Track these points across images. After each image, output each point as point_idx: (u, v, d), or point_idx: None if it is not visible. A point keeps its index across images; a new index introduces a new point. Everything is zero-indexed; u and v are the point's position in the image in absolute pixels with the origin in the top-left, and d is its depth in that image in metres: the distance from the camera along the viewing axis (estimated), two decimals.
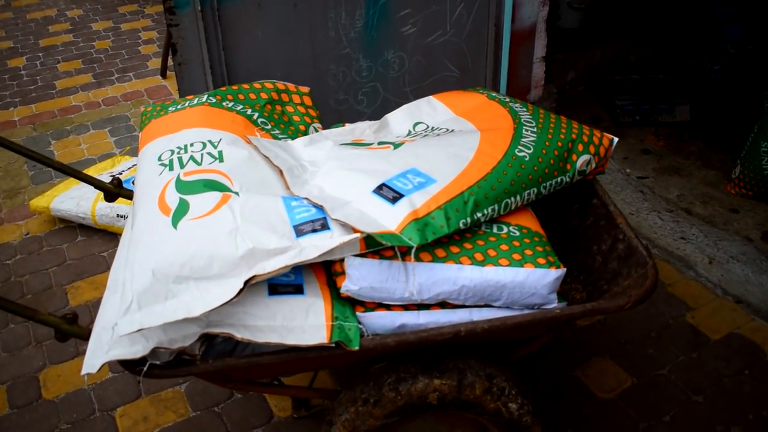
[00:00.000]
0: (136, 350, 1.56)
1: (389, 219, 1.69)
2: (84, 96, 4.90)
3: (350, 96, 3.20)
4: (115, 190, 2.35)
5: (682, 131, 4.28)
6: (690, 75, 4.74)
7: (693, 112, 4.36)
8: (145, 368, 1.60)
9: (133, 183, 3.50)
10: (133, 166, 3.77)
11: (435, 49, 3.36)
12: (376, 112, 3.30)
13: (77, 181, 3.62)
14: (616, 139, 2.19)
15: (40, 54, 5.61)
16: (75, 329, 1.78)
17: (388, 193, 1.75)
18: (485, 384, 1.81)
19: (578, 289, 2.02)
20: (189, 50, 2.62)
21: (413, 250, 1.64)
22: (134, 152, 4.18)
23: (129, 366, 1.60)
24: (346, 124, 2.40)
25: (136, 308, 1.55)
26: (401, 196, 1.74)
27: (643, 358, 2.65)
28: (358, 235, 1.63)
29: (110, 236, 3.46)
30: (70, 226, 3.57)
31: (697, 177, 3.85)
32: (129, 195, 2.38)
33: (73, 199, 3.52)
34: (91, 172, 3.83)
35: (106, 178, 3.65)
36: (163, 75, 5.04)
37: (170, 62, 4.73)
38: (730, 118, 4.33)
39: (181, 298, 1.58)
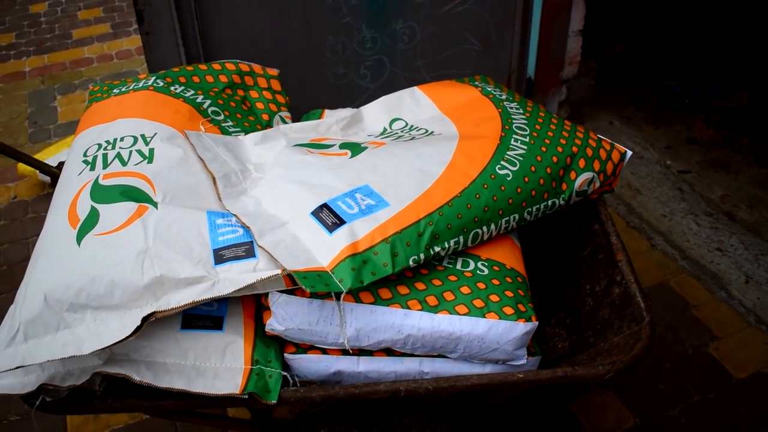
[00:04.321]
0: (27, 382, 1.36)
1: (323, 251, 1.41)
2: (98, 48, 4.67)
3: (351, 70, 2.87)
4: None
5: (736, 119, 3.82)
6: (751, 54, 4.23)
7: (751, 98, 3.88)
8: (37, 402, 1.39)
9: None
10: None
11: (453, 19, 3.00)
12: (382, 87, 2.98)
13: (68, 143, 3.44)
14: (629, 153, 1.84)
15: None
16: None
17: (328, 217, 1.46)
18: None
19: (561, 335, 1.70)
20: (157, 18, 2.33)
21: (342, 295, 1.36)
22: None
23: (24, 397, 1.40)
24: (325, 113, 2.09)
25: (22, 339, 1.35)
26: (342, 222, 1.45)
27: (651, 395, 2.32)
28: (278, 271, 1.36)
29: None
30: None
31: (747, 175, 3.42)
32: None
33: None
34: None
35: None
36: None
37: None
38: None
39: (74, 330, 1.36)
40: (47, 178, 3.33)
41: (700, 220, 3.12)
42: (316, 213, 1.47)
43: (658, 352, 2.45)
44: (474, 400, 1.73)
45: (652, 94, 4.07)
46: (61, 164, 2.11)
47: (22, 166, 3.38)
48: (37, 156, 3.43)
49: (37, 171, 3.25)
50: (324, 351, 1.49)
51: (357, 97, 2.95)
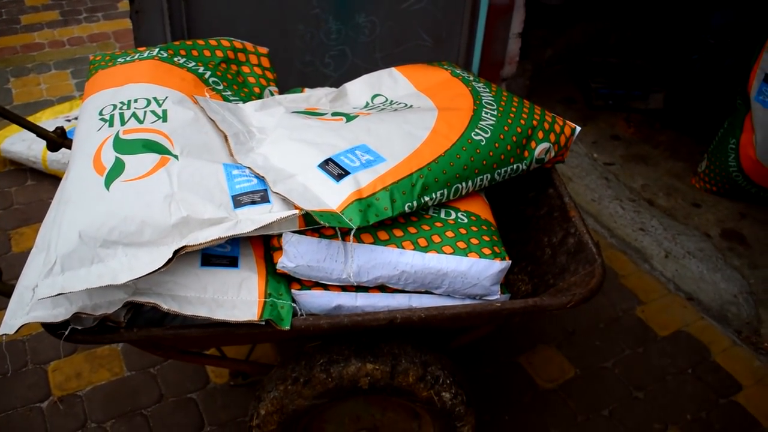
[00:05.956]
0: (57, 313, 1.49)
1: (332, 197, 1.63)
2: (49, 33, 4.72)
3: (317, 58, 3.09)
4: (59, 140, 2.24)
5: (654, 119, 4.24)
6: (668, 62, 4.68)
7: (667, 100, 4.31)
8: (66, 332, 1.53)
9: None
10: None
11: (409, 16, 3.26)
12: (343, 76, 3.20)
13: (35, 121, 3.51)
14: (578, 128, 2.13)
15: None
16: None
17: (334, 169, 1.68)
18: (419, 371, 1.77)
19: (524, 280, 1.98)
20: None
21: (353, 232, 1.58)
22: None
23: (51, 329, 1.54)
24: (305, 90, 2.31)
25: (59, 271, 1.48)
26: (347, 173, 1.67)
27: (588, 350, 2.64)
28: (296, 211, 1.56)
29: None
30: (21, 169, 3.46)
31: (664, 167, 3.83)
32: None
33: (25, 142, 3.39)
34: (47, 114, 3.70)
35: (61, 122, 3.57)
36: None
37: None
38: (703, 109, 4.29)
39: (107, 263, 1.51)
40: (9, 155, 3.39)
41: (624, 205, 3.48)
42: (323, 166, 1.69)
43: (593, 314, 2.77)
44: (446, 337, 1.98)
45: (580, 95, 4.45)
46: (58, 128, 2.25)
47: None
48: (2, 132, 3.48)
49: (0, 148, 3.33)
50: (326, 287, 1.70)
51: (320, 84, 3.13)
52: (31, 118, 3.62)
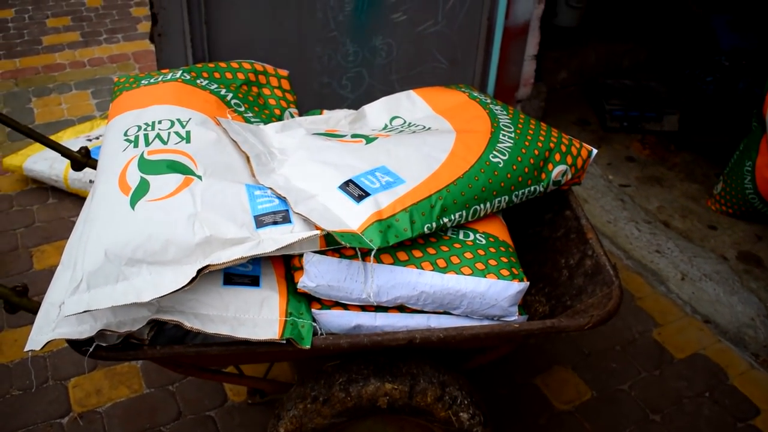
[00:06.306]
0: (83, 330, 1.52)
1: (352, 218, 1.65)
2: (70, 54, 4.80)
3: (334, 80, 3.14)
4: (83, 160, 2.28)
5: (668, 141, 4.25)
6: (682, 84, 4.70)
7: (681, 122, 4.33)
8: (91, 349, 1.56)
9: None
10: None
11: (425, 39, 3.30)
12: (360, 98, 3.24)
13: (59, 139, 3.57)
14: (594, 151, 2.14)
15: (30, 7, 5.49)
16: (24, 302, 1.73)
17: (354, 190, 1.71)
18: (437, 392, 1.78)
19: (542, 302, 1.99)
20: (170, 21, 2.55)
21: (373, 252, 1.60)
22: None
23: (75, 345, 1.57)
24: (324, 111, 2.34)
25: (85, 288, 1.51)
26: (367, 194, 1.69)
27: (605, 372, 2.63)
28: (317, 232, 1.59)
29: (81, 201, 3.38)
30: (42, 188, 3.51)
31: (679, 189, 3.83)
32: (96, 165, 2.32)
33: (47, 161, 3.45)
34: (68, 133, 3.76)
35: (82, 141, 3.62)
36: (152, 40, 4.94)
37: None
38: (718, 131, 4.30)
39: (132, 281, 1.53)
40: (32, 174, 3.45)
41: (640, 227, 3.48)
42: (343, 187, 1.72)
43: (609, 335, 2.77)
44: (463, 357, 1.99)
45: (595, 117, 4.47)
46: (82, 148, 2.30)
47: (7, 161, 3.49)
48: (25, 151, 3.54)
49: (23, 166, 3.38)
50: (345, 307, 1.72)
51: (338, 106, 3.20)
52: (52, 138, 3.68)
